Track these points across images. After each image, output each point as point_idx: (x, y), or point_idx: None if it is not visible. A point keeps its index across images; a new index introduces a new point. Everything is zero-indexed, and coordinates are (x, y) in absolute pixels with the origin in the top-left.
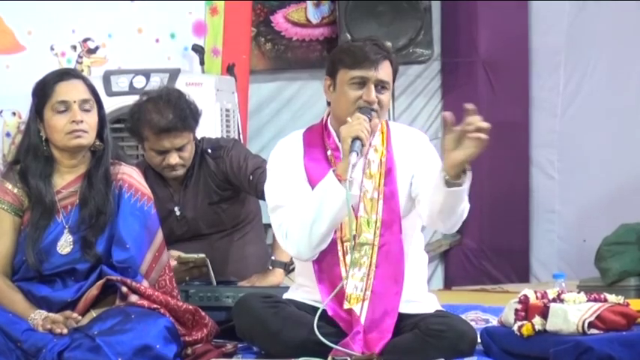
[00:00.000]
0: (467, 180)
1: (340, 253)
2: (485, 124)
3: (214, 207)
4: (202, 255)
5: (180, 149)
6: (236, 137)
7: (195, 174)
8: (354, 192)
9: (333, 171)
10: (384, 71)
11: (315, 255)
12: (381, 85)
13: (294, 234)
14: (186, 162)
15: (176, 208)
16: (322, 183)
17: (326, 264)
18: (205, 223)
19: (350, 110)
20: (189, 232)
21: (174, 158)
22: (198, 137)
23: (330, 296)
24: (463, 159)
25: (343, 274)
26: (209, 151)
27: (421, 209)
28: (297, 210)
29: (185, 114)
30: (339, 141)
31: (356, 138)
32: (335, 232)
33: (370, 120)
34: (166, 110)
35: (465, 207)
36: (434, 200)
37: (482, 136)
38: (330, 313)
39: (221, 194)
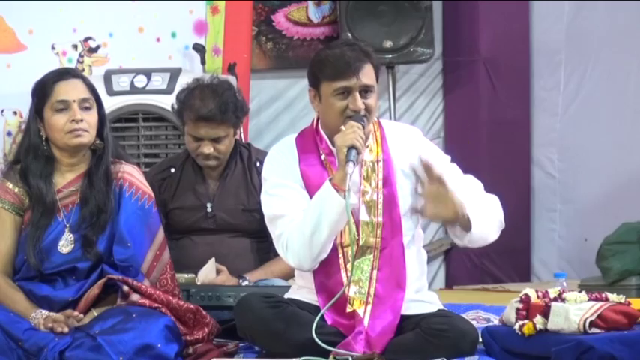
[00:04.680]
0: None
1: (341, 260)
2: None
3: (247, 214)
4: (192, 275)
5: (215, 140)
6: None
7: (236, 177)
8: (353, 200)
9: (330, 180)
10: (366, 76)
11: (315, 265)
12: (365, 90)
13: (294, 245)
14: (221, 155)
15: (209, 205)
16: (320, 193)
17: (326, 271)
18: (233, 227)
19: (339, 120)
20: (216, 228)
21: (207, 148)
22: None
23: (330, 303)
24: (445, 216)
25: (344, 280)
26: (257, 164)
27: None
28: (296, 221)
29: (227, 107)
30: (332, 145)
31: (351, 147)
32: (335, 238)
33: (364, 127)
34: (210, 99)
35: (489, 232)
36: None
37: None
38: (329, 322)
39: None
